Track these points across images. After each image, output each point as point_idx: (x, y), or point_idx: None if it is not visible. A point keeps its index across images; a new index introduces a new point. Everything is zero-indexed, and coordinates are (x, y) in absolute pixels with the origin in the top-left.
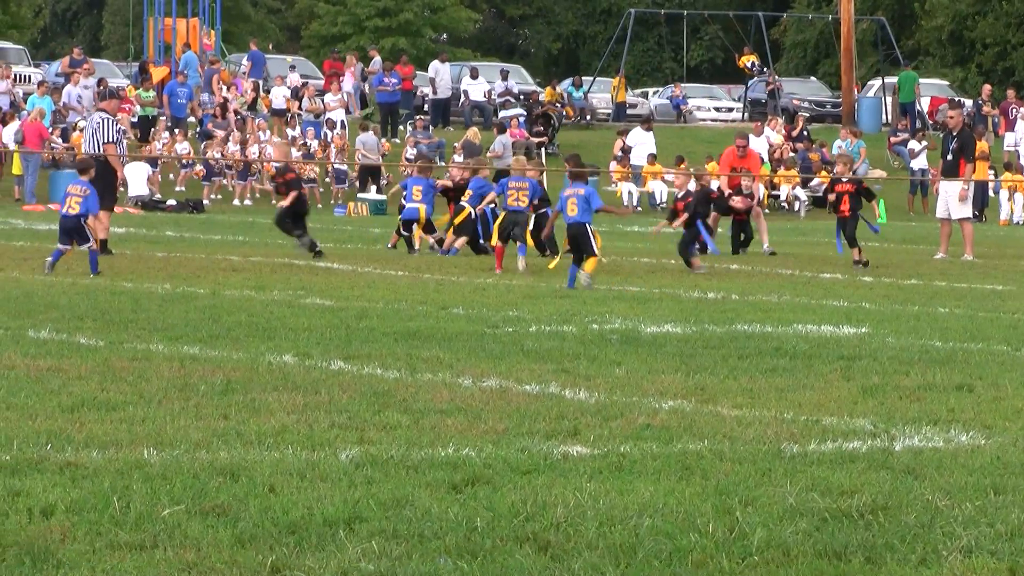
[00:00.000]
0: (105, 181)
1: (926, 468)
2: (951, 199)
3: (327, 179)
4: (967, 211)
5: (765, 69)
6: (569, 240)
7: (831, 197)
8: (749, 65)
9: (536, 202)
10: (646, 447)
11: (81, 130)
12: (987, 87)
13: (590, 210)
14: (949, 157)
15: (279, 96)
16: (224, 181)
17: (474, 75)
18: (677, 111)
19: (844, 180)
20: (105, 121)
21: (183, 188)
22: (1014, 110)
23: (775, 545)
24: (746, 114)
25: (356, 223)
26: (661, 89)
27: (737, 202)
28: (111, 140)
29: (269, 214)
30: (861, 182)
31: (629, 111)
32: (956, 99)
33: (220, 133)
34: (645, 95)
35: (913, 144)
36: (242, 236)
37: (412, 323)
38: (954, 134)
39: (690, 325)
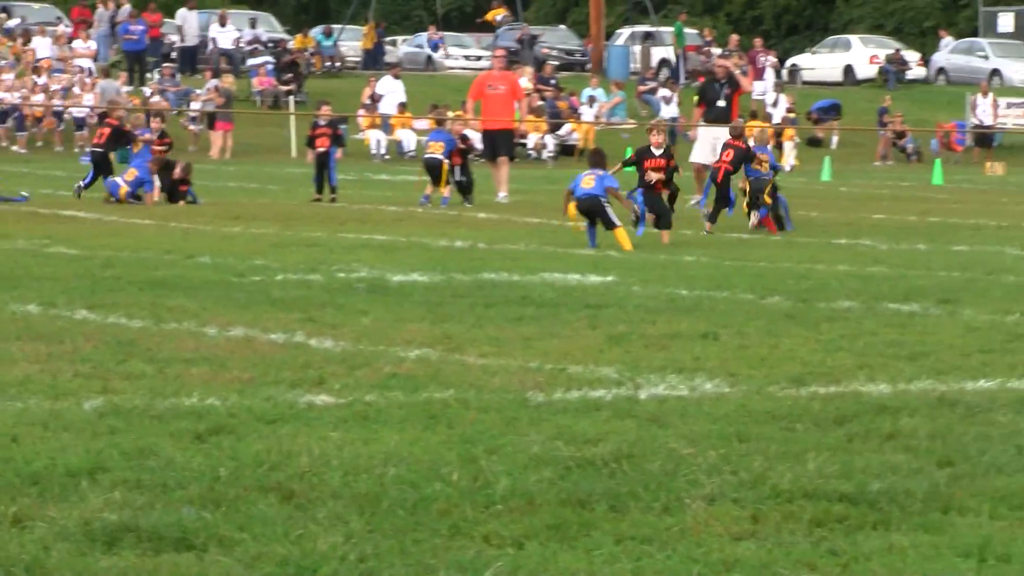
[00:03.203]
0: None
1: (670, 416)
2: (720, 144)
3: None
4: None
5: (515, 22)
6: (583, 212)
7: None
8: (499, 19)
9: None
10: (392, 396)
11: None
12: (735, 37)
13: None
14: (721, 103)
15: (43, 46)
16: None
17: (222, 22)
18: (429, 59)
19: (657, 155)
20: None
21: None
22: (762, 59)
23: (519, 494)
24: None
25: None
26: (411, 37)
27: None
28: None
29: (14, 163)
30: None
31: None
32: (721, 50)
33: None
34: (394, 43)
35: (664, 92)
36: None
37: (158, 272)
38: (722, 81)
39: (437, 274)
